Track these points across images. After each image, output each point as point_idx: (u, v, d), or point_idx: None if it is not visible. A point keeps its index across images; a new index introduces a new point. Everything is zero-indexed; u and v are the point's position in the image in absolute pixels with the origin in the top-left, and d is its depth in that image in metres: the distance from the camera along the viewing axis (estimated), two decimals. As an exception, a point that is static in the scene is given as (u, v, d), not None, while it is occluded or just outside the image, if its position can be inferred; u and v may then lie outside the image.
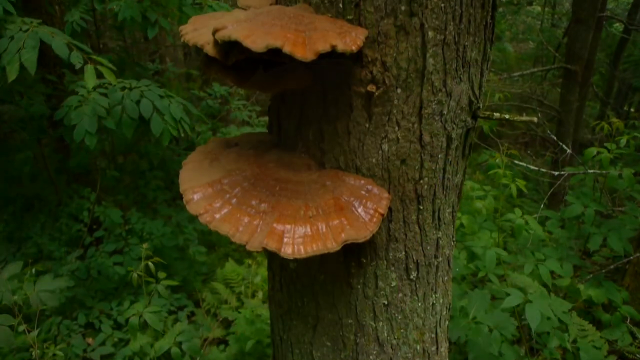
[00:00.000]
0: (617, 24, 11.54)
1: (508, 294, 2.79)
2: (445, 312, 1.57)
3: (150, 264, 3.13)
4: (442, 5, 1.11)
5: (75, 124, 3.21)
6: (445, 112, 1.22)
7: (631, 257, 3.80)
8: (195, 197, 1.15)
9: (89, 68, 3.00)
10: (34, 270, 2.96)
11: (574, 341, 3.21)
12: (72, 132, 3.23)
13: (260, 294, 4.65)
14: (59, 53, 2.94)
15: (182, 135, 3.51)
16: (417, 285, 1.40)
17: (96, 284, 4.29)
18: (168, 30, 4.12)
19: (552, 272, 3.35)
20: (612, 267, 3.98)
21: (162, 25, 4.03)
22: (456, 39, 1.16)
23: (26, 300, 2.86)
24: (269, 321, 2.56)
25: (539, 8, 14.00)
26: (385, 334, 1.40)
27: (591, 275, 3.78)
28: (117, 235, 4.60)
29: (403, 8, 1.10)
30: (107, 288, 4.37)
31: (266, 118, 1.81)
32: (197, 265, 4.87)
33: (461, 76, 1.21)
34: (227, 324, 4.48)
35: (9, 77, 2.77)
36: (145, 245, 3.16)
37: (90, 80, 2.98)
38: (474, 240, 3.55)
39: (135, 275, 3.15)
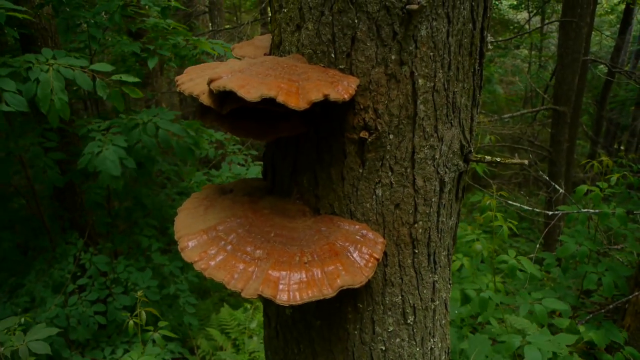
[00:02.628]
0: (602, 66, 11.89)
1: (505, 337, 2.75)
2: (444, 357, 1.54)
3: (143, 312, 3.06)
4: (431, 54, 1.15)
5: (100, 170, 3.34)
6: (437, 156, 1.24)
7: (630, 297, 3.77)
8: (190, 244, 1.15)
9: (114, 93, 3.16)
10: (22, 319, 2.89)
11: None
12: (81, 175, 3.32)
13: (256, 339, 4.55)
14: (83, 86, 3.05)
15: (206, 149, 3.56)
16: (415, 330, 1.38)
17: (74, 333, 4.17)
18: (171, 57, 4.21)
19: (551, 312, 3.31)
20: (611, 306, 3.94)
21: (163, 54, 4.11)
22: (446, 86, 1.19)
23: (15, 353, 2.78)
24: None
25: (526, 51, 14.44)
26: (384, 382, 1.38)
27: (591, 316, 3.74)
28: (101, 283, 4.48)
29: (393, 57, 1.14)
30: (83, 339, 4.24)
31: (262, 162, 1.83)
32: (187, 317, 4.76)
33: (452, 121, 1.24)
34: (222, 372, 4.36)
35: (52, 124, 2.99)
36: (140, 293, 3.10)
37: (119, 105, 3.18)
38: (471, 282, 3.52)
39: (131, 322, 3.07)
